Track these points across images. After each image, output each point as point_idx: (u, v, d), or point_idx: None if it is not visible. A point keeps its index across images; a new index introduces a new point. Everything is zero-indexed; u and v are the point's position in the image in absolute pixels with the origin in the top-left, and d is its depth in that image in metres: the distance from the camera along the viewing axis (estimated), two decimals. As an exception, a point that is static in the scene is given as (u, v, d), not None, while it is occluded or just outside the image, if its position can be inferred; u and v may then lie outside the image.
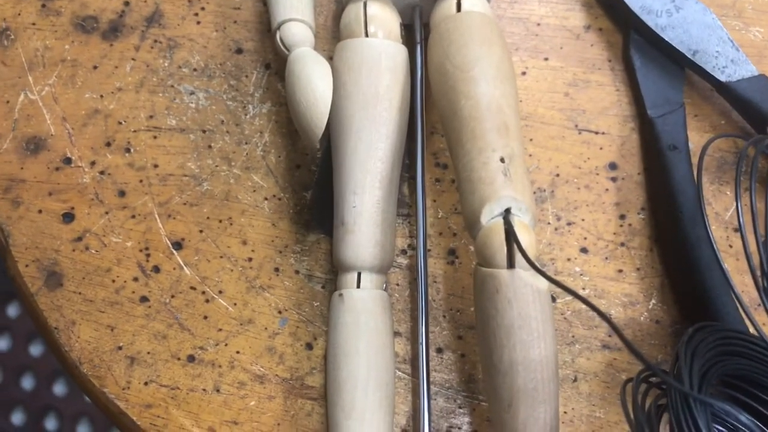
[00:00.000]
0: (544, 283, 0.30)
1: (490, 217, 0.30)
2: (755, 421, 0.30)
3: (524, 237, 0.29)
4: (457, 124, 0.32)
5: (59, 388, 1.16)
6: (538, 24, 0.40)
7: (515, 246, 0.29)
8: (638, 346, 0.36)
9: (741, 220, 0.30)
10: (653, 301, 0.37)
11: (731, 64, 0.38)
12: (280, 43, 0.36)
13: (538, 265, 0.28)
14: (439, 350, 0.36)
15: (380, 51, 0.35)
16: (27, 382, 1.16)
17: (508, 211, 0.30)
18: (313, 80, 0.34)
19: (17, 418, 1.15)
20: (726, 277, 0.32)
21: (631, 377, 0.29)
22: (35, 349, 1.16)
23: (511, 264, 0.29)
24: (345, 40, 0.36)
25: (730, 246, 0.37)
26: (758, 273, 0.30)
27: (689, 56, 0.37)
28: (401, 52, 0.36)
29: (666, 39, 0.38)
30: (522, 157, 0.32)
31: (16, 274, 0.37)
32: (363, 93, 0.35)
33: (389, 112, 0.35)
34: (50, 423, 1.15)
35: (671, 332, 0.37)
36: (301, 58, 0.35)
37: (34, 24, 0.40)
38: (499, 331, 0.29)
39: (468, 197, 0.31)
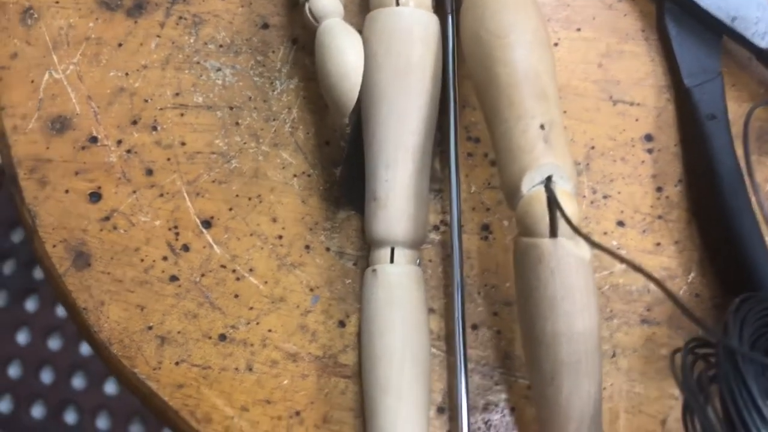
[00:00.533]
0: (587, 252, 0.29)
1: (531, 186, 0.29)
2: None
3: (567, 205, 0.28)
4: (494, 92, 0.31)
5: (78, 382, 1.17)
6: (570, -6, 0.39)
7: (558, 214, 0.28)
8: (677, 319, 0.35)
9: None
10: (692, 274, 0.36)
11: (770, 31, 0.37)
12: (309, 15, 0.35)
13: (583, 231, 0.27)
14: (474, 327, 0.36)
15: (412, 20, 0.34)
16: (46, 376, 1.17)
17: (549, 178, 0.29)
18: (345, 51, 0.33)
19: (37, 411, 1.16)
20: (762, 239, 0.31)
21: (679, 348, 0.28)
22: (54, 343, 1.16)
23: (553, 233, 0.28)
24: (375, 10, 0.35)
25: (771, 218, 0.36)
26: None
27: (727, 23, 0.36)
28: (433, 21, 0.35)
29: (702, 6, 0.37)
30: (561, 124, 0.31)
31: (43, 255, 0.37)
32: (395, 64, 0.34)
33: (422, 83, 0.34)
34: (70, 416, 1.16)
35: (711, 306, 0.36)
36: (331, 30, 0.34)
37: (57, 2, 0.40)
38: (541, 302, 0.29)
39: (507, 166, 0.30)
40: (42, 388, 1.16)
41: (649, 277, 0.24)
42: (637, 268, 0.24)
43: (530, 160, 0.29)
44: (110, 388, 1.16)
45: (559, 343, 0.28)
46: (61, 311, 1.17)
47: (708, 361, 0.29)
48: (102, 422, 1.16)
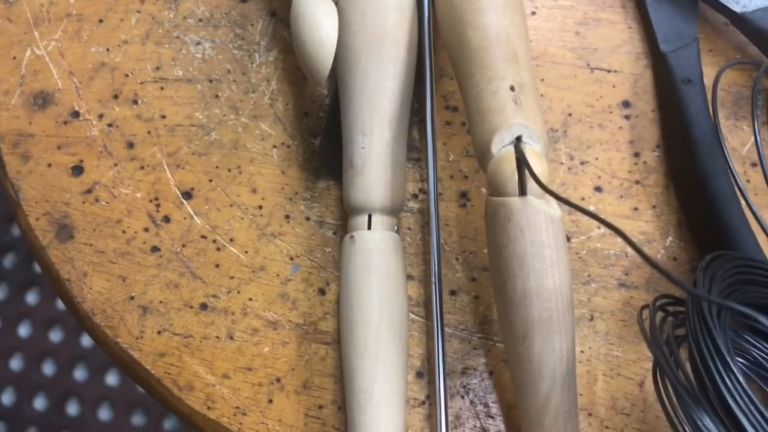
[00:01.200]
0: (556, 210, 0.29)
1: (501, 146, 0.29)
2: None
3: (536, 164, 0.29)
4: (466, 56, 0.32)
5: (80, 374, 1.17)
6: (547, -38, 0.39)
7: (527, 173, 0.28)
8: (655, 282, 0.36)
9: (761, 151, 0.30)
10: (670, 238, 0.36)
11: (746, -4, 0.37)
12: (284, -15, 0.35)
13: (550, 189, 0.28)
14: (453, 293, 0.36)
15: (386, -12, 0.35)
16: (48, 368, 1.17)
17: (519, 138, 0.29)
18: (318, 19, 0.34)
19: (40, 403, 1.16)
20: (748, 204, 0.31)
21: (647, 304, 0.29)
22: (55, 335, 1.17)
23: (522, 191, 0.29)
24: (350, -21, 0.35)
25: (748, 181, 0.37)
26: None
27: (702, -13, 0.37)
28: (407, -11, 0.35)
29: (678, -29, 0.37)
30: (533, 86, 0.31)
31: (27, 228, 0.37)
32: (369, 32, 0.34)
33: (396, 51, 0.35)
34: (72, 408, 1.16)
35: (689, 269, 0.36)
36: (306, -1, 0.34)
37: (38, -21, 0.40)
38: (511, 260, 0.29)
39: (478, 128, 0.30)
40: (44, 380, 1.17)
41: (613, 229, 0.24)
42: (606, 223, 0.25)
43: (500, 121, 0.29)
44: (112, 379, 1.17)
45: (530, 300, 0.29)
46: (62, 304, 1.17)
47: (677, 316, 0.30)
48: (104, 413, 1.16)
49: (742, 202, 0.34)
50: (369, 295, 0.33)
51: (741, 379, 0.25)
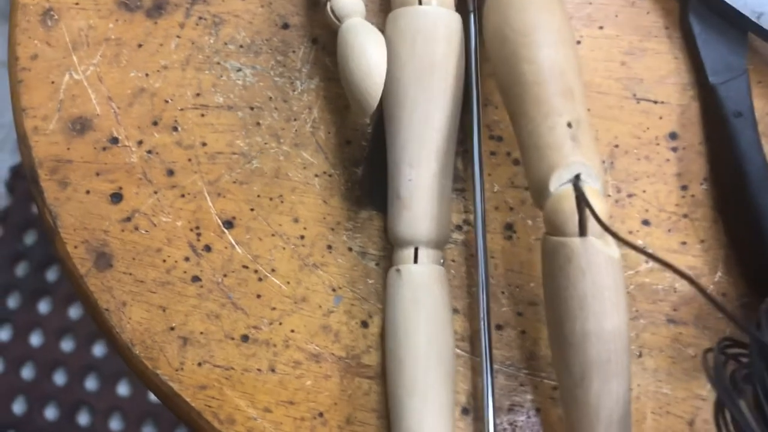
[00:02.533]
0: (616, 251, 0.29)
1: (559, 184, 0.29)
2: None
3: (596, 203, 0.28)
4: (519, 90, 0.31)
5: (91, 383, 1.17)
6: (593, -9, 0.39)
7: (587, 212, 0.28)
8: (704, 319, 0.35)
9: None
10: (719, 273, 0.36)
11: (797, 27, 0.36)
12: (331, 14, 0.35)
13: (613, 229, 0.27)
14: (499, 327, 0.35)
15: (435, 19, 0.34)
16: (59, 378, 1.17)
17: (578, 177, 0.29)
18: (368, 49, 0.33)
19: (51, 413, 1.16)
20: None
21: (710, 347, 0.28)
22: (67, 345, 1.17)
23: (583, 232, 0.28)
24: (398, 9, 0.35)
25: (799, 216, 0.36)
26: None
27: (753, 19, 0.36)
28: (456, 19, 0.35)
29: (727, 2, 0.36)
30: (588, 122, 0.30)
31: (65, 256, 0.37)
32: (418, 62, 0.34)
33: (445, 82, 0.34)
34: (83, 418, 1.16)
35: (738, 305, 0.35)
36: (354, 28, 0.34)
37: (77, 3, 0.40)
38: (571, 301, 0.28)
39: (534, 164, 0.30)
40: (55, 389, 1.16)
41: (677, 272, 0.24)
42: (666, 264, 0.24)
43: (558, 158, 0.29)
44: (123, 389, 1.16)
45: (589, 342, 0.28)
46: (74, 313, 1.17)
47: (739, 361, 0.29)
48: (115, 424, 1.16)
49: (795, 238, 0.34)
50: (416, 330, 0.32)
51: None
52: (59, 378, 1.17)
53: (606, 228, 0.27)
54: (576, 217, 0.28)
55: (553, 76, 0.31)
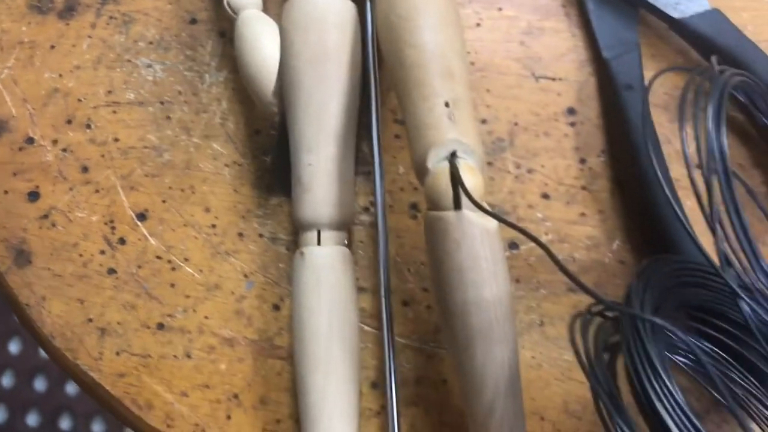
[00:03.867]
0: (492, 222, 0.30)
1: (436, 161, 0.30)
2: (708, 346, 0.30)
3: (469, 178, 0.29)
4: (403, 74, 0.32)
5: (71, 388, 1.18)
6: (489, -26, 0.40)
7: (461, 188, 0.29)
8: (603, 286, 0.36)
9: (685, 149, 0.30)
10: (617, 242, 0.37)
11: (684, 1, 0.37)
12: (227, 7, 0.36)
13: (486, 206, 0.28)
14: (405, 303, 0.36)
15: (326, 8, 0.35)
16: (40, 384, 1.18)
17: (453, 154, 0.30)
18: (261, 41, 0.34)
19: (32, 419, 1.17)
20: (674, 207, 0.31)
21: (581, 311, 0.29)
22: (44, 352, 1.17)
23: (457, 206, 0.29)
24: (291, 0, 0.36)
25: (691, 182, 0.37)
26: (705, 201, 0.30)
27: (640, -6, 0.37)
28: (349, 8, 0.36)
29: (616, -21, 0.38)
30: (468, 101, 0.32)
31: (-14, 255, 0.38)
32: (311, 51, 0.35)
33: (340, 69, 0.35)
34: (65, 422, 1.17)
35: (636, 272, 0.36)
36: (248, 21, 0.35)
37: (-10, 8, 0.41)
38: (450, 273, 0.29)
39: (415, 144, 0.31)
40: (36, 395, 1.17)
41: (533, 239, 0.25)
42: (524, 232, 0.25)
43: (435, 137, 0.30)
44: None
45: (469, 311, 0.29)
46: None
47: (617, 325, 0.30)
48: (97, 427, 1.17)
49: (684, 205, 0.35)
50: (319, 311, 0.34)
51: (674, 391, 0.25)
52: (39, 384, 1.18)
53: (474, 202, 0.28)
54: (450, 192, 0.29)
55: (433, 58, 0.32)
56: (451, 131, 0.30)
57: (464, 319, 0.29)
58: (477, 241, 0.29)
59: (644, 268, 0.30)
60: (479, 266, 0.29)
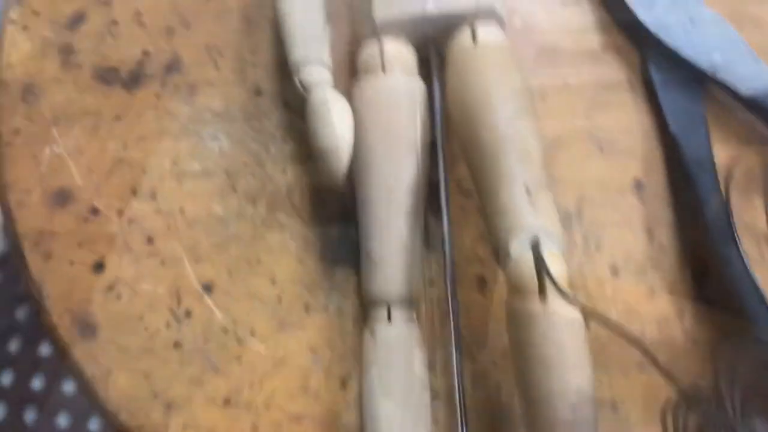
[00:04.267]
0: (576, 312, 0.29)
1: (518, 248, 0.30)
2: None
3: (555, 267, 0.29)
4: (479, 155, 0.32)
5: (63, 420, 1.17)
6: (554, 48, 0.40)
7: (546, 277, 0.29)
8: (675, 365, 0.36)
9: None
10: (687, 319, 0.36)
11: (752, 76, 0.37)
12: (299, 85, 0.36)
13: (572, 295, 0.28)
14: (474, 380, 0.36)
15: (397, 87, 0.35)
16: (63, 420, 1.17)
17: (536, 241, 0.30)
18: (334, 122, 0.34)
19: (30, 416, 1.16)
20: (754, 281, 0.31)
21: (670, 399, 0.29)
22: (44, 350, 1.17)
23: (542, 295, 0.29)
24: (362, 77, 0.36)
25: (763, 258, 0.37)
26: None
27: (709, 72, 0.37)
28: (419, 86, 0.36)
29: (684, 56, 0.38)
30: (546, 184, 0.31)
31: (51, 327, 0.38)
32: (382, 129, 0.35)
33: (409, 146, 0.35)
34: (62, 420, 1.16)
35: (709, 350, 0.36)
36: (320, 100, 0.35)
37: (57, 78, 0.41)
38: (533, 363, 0.29)
39: (494, 229, 0.31)
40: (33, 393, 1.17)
41: (629, 339, 0.24)
42: (618, 329, 0.25)
43: (516, 223, 0.30)
44: (93, 425, 1.17)
45: (554, 401, 0.29)
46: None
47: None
48: (93, 425, 1.16)
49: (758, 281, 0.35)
50: (391, 392, 0.33)
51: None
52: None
53: (562, 292, 0.28)
54: (535, 281, 0.29)
55: (510, 140, 0.32)
56: (533, 217, 0.30)
57: (546, 408, 0.29)
58: (564, 334, 0.29)
59: (727, 354, 0.30)
60: (565, 357, 0.29)
